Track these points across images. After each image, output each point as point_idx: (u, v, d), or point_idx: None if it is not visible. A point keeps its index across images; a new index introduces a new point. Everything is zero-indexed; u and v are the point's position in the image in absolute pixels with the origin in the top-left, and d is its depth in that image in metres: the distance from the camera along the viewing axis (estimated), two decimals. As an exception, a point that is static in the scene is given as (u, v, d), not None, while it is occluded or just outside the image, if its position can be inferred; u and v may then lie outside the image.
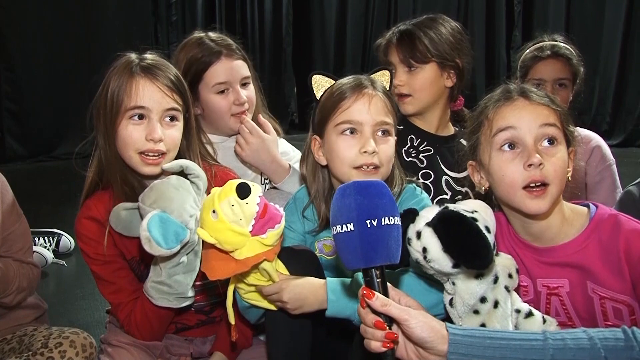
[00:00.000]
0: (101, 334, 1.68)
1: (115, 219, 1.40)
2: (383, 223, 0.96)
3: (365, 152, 1.38)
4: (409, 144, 1.84)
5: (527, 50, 2.19)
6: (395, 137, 1.48)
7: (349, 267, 0.99)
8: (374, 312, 0.98)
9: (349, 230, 0.96)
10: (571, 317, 1.24)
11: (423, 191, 1.52)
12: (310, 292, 1.29)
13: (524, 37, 5.99)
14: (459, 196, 1.76)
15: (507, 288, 1.17)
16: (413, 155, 1.84)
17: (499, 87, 1.32)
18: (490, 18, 6.21)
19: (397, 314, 0.97)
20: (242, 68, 1.82)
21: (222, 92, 1.79)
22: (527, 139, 1.20)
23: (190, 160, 1.50)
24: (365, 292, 0.98)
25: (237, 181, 1.19)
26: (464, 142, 1.84)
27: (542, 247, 1.26)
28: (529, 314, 1.19)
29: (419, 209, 1.42)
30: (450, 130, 1.90)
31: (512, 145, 1.22)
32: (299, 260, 1.35)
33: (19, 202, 1.65)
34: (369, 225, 0.96)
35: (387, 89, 1.50)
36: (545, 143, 1.20)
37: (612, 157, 2.16)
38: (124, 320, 1.52)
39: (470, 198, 1.31)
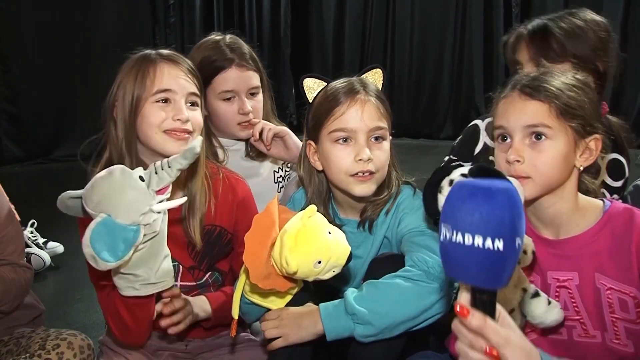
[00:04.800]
0: (99, 335, 1.67)
1: (63, 207, 1.29)
2: (520, 244, 0.82)
3: (360, 160, 1.38)
4: None
5: None
6: (391, 137, 1.47)
7: (471, 282, 0.84)
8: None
9: (495, 248, 0.79)
10: (579, 311, 1.25)
11: (418, 190, 1.51)
12: (306, 314, 1.32)
13: (522, 39, 5.99)
14: None
15: (518, 261, 1.18)
16: None
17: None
18: (488, 20, 6.22)
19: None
20: (251, 79, 1.83)
21: (228, 99, 1.81)
22: (514, 136, 1.23)
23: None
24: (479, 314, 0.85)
25: (348, 250, 1.25)
26: None
27: (554, 239, 1.27)
28: (535, 294, 1.22)
29: (417, 211, 1.44)
30: None
31: (504, 138, 1.25)
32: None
33: (16, 204, 1.65)
34: (517, 246, 0.81)
35: (380, 88, 1.49)
36: (533, 138, 1.22)
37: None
38: (104, 310, 1.44)
39: None
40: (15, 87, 5.11)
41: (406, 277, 1.29)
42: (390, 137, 1.48)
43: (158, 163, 1.25)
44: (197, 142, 1.23)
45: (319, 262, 1.20)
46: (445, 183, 1.20)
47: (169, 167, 1.24)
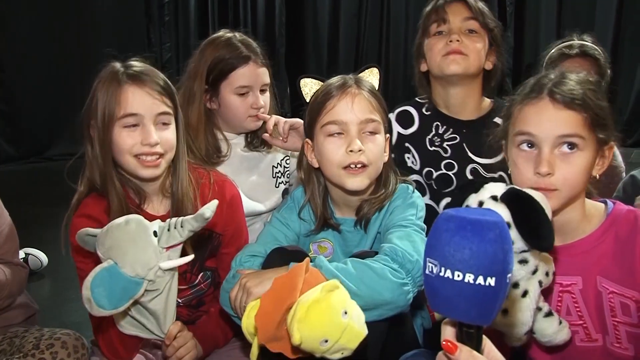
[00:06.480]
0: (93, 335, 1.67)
1: (82, 241, 1.34)
2: (511, 277, 0.78)
3: (351, 151, 1.39)
4: (433, 132, 1.81)
5: (555, 48, 2.15)
6: (387, 135, 1.48)
7: (458, 318, 0.81)
8: None
9: (487, 284, 0.75)
10: (582, 316, 1.25)
11: (416, 190, 1.52)
12: None
13: (516, 38, 6.02)
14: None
15: (540, 283, 1.18)
16: (437, 143, 1.80)
17: (539, 74, 1.27)
18: (483, 19, 6.23)
19: None
20: (264, 75, 1.91)
21: (243, 94, 1.87)
22: (544, 146, 1.19)
23: (178, 161, 1.49)
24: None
25: (362, 335, 1.13)
26: (498, 121, 1.62)
27: (559, 245, 1.26)
28: (549, 314, 1.21)
29: (410, 209, 1.44)
30: (482, 111, 1.82)
31: (530, 145, 1.21)
32: (291, 261, 1.34)
33: (10, 203, 1.64)
34: (507, 281, 0.77)
35: (376, 87, 1.49)
36: (565, 148, 1.18)
37: (622, 165, 2.12)
38: (94, 327, 1.47)
39: (505, 182, 1.24)
40: (9, 86, 5.09)
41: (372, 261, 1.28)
42: (388, 136, 1.48)
43: (173, 220, 1.27)
44: (207, 208, 1.24)
45: (325, 341, 1.11)
46: (472, 203, 1.16)
47: (182, 227, 1.26)
